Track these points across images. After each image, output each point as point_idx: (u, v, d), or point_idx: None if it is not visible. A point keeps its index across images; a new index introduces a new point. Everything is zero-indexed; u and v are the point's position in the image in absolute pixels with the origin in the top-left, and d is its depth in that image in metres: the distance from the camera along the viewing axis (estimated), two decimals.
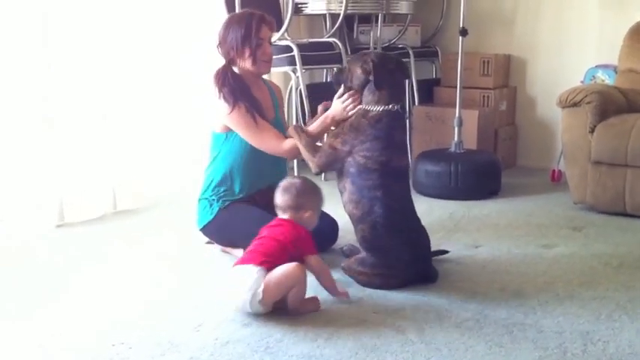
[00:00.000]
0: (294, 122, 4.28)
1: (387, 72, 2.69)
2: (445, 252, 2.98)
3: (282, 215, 2.60)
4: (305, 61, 4.12)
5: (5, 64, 3.35)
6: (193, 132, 4.19)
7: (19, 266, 2.89)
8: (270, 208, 2.97)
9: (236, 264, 2.48)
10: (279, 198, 2.61)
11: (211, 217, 3.00)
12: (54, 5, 3.45)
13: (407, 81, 3.02)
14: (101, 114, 3.74)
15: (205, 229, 3.06)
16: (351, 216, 2.72)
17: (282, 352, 2.15)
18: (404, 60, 4.80)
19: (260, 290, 2.35)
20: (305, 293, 2.45)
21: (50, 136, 3.51)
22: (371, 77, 2.66)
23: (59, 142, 3.56)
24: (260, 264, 2.40)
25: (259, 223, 2.89)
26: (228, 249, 3.05)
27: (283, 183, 2.64)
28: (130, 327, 2.34)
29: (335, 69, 2.91)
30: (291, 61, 4.08)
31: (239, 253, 2.95)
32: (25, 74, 3.40)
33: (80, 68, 3.63)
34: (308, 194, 2.61)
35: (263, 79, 3.20)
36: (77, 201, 3.66)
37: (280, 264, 2.40)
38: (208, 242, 3.17)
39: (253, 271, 2.38)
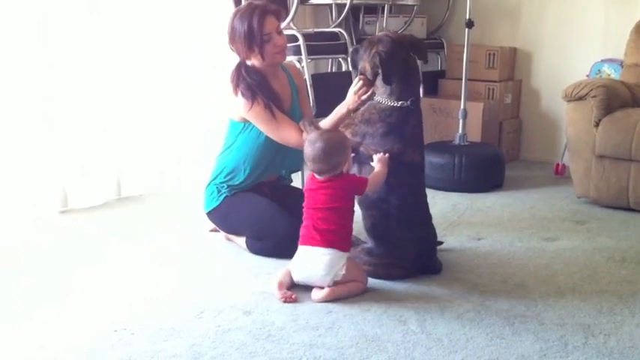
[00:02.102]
0: None
1: (397, 65, 2.63)
2: (440, 243, 2.97)
3: (321, 177, 2.55)
4: (310, 51, 4.11)
5: (11, 60, 3.35)
6: (196, 121, 4.19)
7: (20, 264, 2.87)
8: (276, 198, 2.98)
9: (302, 244, 2.53)
10: (313, 165, 2.54)
11: (217, 203, 3.00)
12: (54, 5, 3.45)
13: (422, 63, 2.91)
14: (106, 103, 3.74)
15: (210, 215, 3.07)
16: (361, 200, 2.70)
17: (283, 340, 2.16)
18: None
19: (331, 279, 2.47)
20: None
21: (55, 124, 3.52)
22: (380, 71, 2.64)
23: (63, 131, 3.56)
24: (330, 246, 2.47)
25: (263, 214, 2.91)
26: (232, 237, 3.05)
27: (309, 150, 2.53)
28: (132, 314, 2.35)
29: (351, 49, 2.83)
30: (297, 51, 4.07)
31: (242, 241, 2.97)
32: (27, 68, 3.40)
33: (83, 59, 3.62)
34: (336, 151, 2.52)
35: (282, 64, 3.13)
36: (81, 187, 3.66)
37: (347, 222, 2.53)
38: (212, 230, 3.18)
39: (323, 252, 2.47)
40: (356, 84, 2.76)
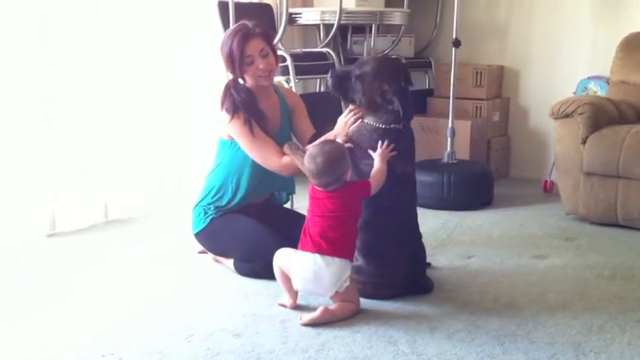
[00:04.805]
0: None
1: (406, 97, 2.66)
2: (428, 264, 2.95)
3: (326, 189, 2.53)
4: (298, 71, 4.12)
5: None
6: (187, 142, 4.19)
7: (11, 275, 2.88)
8: (263, 219, 2.97)
9: (304, 249, 2.49)
10: (318, 180, 2.52)
11: (204, 225, 2.99)
12: (54, 5, 3.45)
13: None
14: (95, 126, 3.73)
15: (198, 237, 3.05)
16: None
17: None
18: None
19: (336, 289, 2.46)
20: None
21: (42, 146, 3.50)
22: (392, 107, 2.62)
23: (51, 153, 3.54)
24: (337, 254, 2.46)
25: (251, 235, 2.89)
26: (220, 258, 3.04)
27: (312, 166, 2.51)
28: (120, 337, 2.33)
29: (330, 78, 2.77)
30: (285, 71, 4.08)
31: (230, 263, 2.95)
32: (22, 77, 3.39)
33: (75, 76, 3.61)
34: (339, 163, 2.51)
35: (275, 87, 3.14)
36: (68, 210, 3.63)
37: (353, 229, 2.53)
38: (201, 252, 3.16)
39: (331, 261, 2.45)
40: (347, 114, 2.74)
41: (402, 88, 2.67)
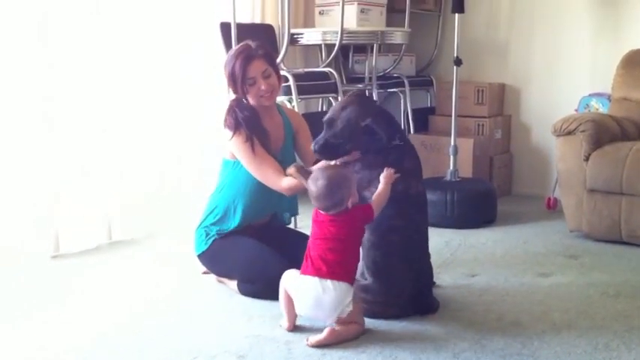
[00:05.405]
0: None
1: (385, 118, 2.70)
2: (433, 284, 2.94)
3: (327, 213, 2.51)
4: (301, 91, 4.14)
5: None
6: (191, 162, 4.20)
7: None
8: (266, 240, 2.96)
9: (305, 273, 2.47)
10: (317, 203, 2.50)
11: (205, 247, 2.98)
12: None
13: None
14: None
15: (200, 258, 3.05)
16: (363, 242, 2.64)
17: None
18: (399, 89, 4.91)
19: (337, 315, 2.43)
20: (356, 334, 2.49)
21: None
22: (377, 136, 2.64)
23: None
24: (338, 278, 2.43)
25: (253, 255, 2.89)
26: (224, 279, 3.03)
27: (312, 188, 2.49)
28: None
29: (319, 154, 2.70)
30: (287, 91, 4.10)
31: (233, 284, 2.95)
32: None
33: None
34: (339, 187, 2.47)
35: (279, 106, 3.15)
36: (72, 232, 3.62)
37: (356, 253, 2.52)
38: (205, 272, 3.16)
39: (331, 285, 2.42)
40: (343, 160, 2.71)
41: (375, 114, 2.68)
